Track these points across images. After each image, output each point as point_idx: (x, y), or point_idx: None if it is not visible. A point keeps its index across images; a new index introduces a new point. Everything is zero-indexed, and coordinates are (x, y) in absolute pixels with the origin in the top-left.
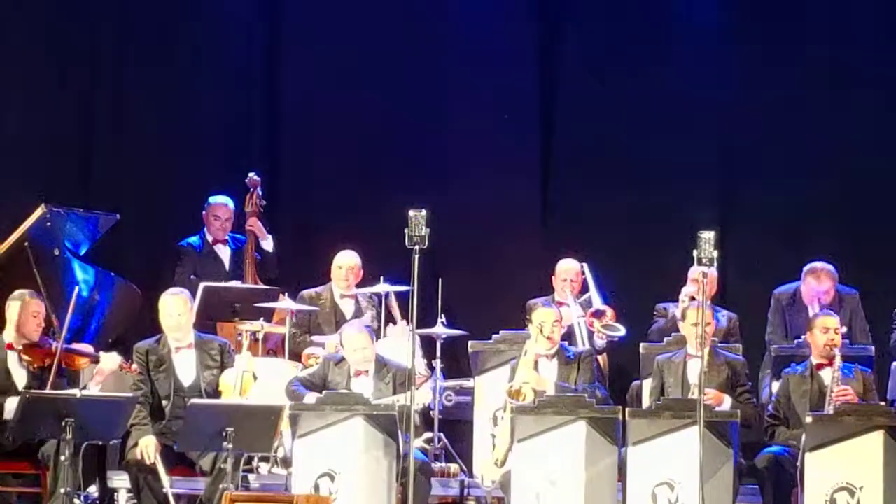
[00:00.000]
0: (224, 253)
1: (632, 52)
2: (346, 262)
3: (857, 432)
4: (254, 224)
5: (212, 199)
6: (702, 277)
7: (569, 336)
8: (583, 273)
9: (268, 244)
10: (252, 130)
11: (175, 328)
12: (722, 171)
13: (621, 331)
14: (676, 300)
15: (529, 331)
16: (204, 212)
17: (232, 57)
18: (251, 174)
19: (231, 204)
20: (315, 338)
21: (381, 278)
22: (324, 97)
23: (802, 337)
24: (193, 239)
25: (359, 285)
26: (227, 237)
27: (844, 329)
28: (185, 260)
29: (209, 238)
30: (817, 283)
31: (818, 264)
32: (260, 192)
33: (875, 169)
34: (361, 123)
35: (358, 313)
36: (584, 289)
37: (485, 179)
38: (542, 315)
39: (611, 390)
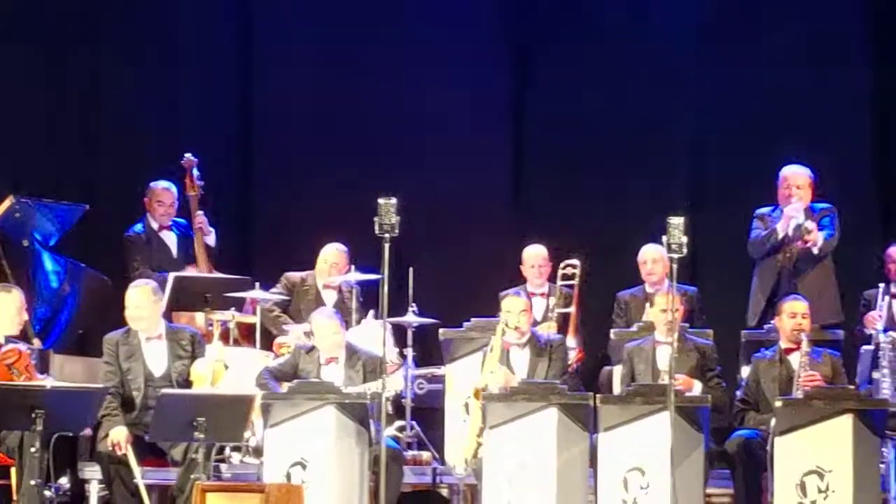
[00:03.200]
0: (170, 239)
1: (604, 40)
2: (331, 257)
3: (826, 416)
4: (202, 222)
5: (154, 185)
6: (671, 263)
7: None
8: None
9: (210, 239)
10: (223, 120)
11: (136, 319)
12: (693, 155)
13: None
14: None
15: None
16: (146, 198)
17: (204, 47)
18: (187, 155)
19: (174, 188)
20: (286, 326)
21: (352, 267)
22: (295, 86)
23: (771, 322)
24: (138, 227)
25: None
26: (170, 223)
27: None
28: (137, 249)
29: (153, 225)
30: (793, 174)
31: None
32: (197, 173)
33: (846, 149)
34: (332, 112)
35: (339, 304)
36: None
37: (456, 167)
38: (508, 304)
39: (582, 377)
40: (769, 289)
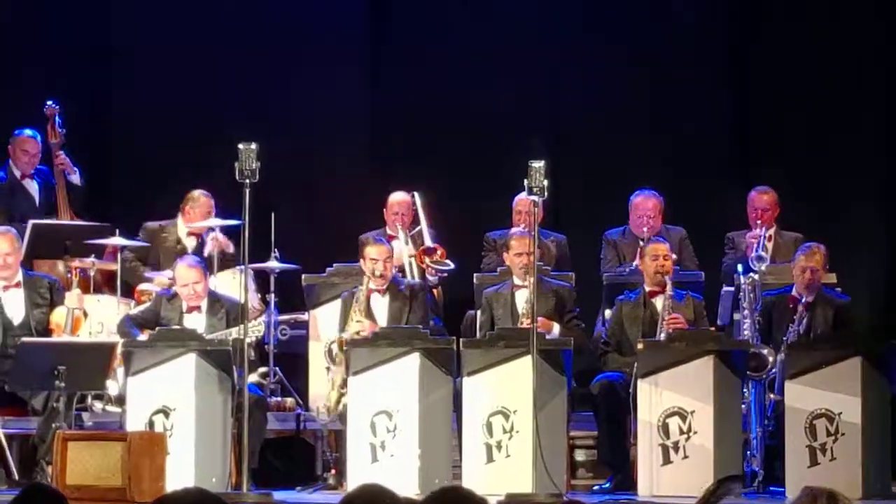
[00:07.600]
0: (32, 187)
1: None
2: (204, 202)
3: (687, 358)
4: (64, 162)
5: (18, 133)
6: (532, 208)
7: (401, 272)
8: (414, 205)
9: (75, 178)
10: (79, 62)
11: (1, 268)
12: (553, 100)
13: (450, 266)
14: (506, 230)
15: (363, 267)
16: (10, 146)
17: None
18: (49, 103)
19: (38, 137)
20: (148, 273)
21: (213, 213)
22: (150, 27)
23: (634, 264)
24: None
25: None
26: (33, 171)
27: (674, 256)
28: None
29: (16, 173)
30: (644, 200)
31: (643, 190)
32: (59, 121)
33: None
34: (190, 56)
35: (201, 250)
36: (416, 220)
37: (316, 112)
38: (371, 252)
39: (445, 321)
40: None
